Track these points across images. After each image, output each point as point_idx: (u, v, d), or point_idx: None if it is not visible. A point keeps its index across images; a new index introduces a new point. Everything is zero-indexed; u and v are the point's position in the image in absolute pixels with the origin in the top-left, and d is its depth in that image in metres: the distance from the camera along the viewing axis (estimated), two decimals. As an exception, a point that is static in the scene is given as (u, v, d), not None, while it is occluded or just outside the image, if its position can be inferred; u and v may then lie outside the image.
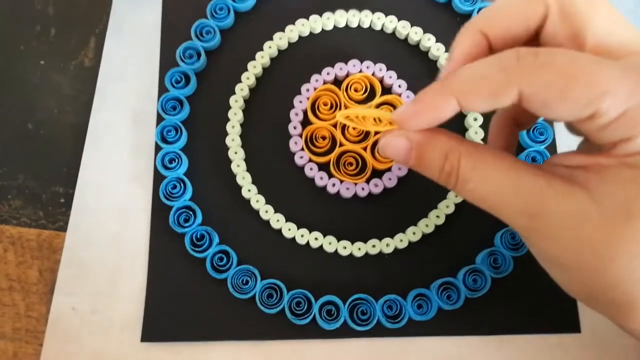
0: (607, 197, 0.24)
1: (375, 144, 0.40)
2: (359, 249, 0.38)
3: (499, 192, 0.26)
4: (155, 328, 0.38)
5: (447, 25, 0.43)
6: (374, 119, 0.29)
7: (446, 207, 0.39)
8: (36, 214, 0.41)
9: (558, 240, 0.25)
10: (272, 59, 0.43)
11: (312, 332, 0.37)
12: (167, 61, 0.43)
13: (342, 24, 0.43)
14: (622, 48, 0.25)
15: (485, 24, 0.27)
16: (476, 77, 0.25)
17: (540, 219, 0.25)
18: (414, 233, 0.39)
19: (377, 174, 0.40)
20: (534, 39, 0.27)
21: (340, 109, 0.40)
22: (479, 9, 0.43)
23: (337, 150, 0.40)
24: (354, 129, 0.40)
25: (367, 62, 0.42)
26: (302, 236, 0.39)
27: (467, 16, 0.43)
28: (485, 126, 0.40)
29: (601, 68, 0.23)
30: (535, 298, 0.38)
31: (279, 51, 0.43)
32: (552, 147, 0.41)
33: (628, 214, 0.23)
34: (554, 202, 0.25)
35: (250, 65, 0.42)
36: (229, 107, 0.41)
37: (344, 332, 0.37)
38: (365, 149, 0.40)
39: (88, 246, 0.39)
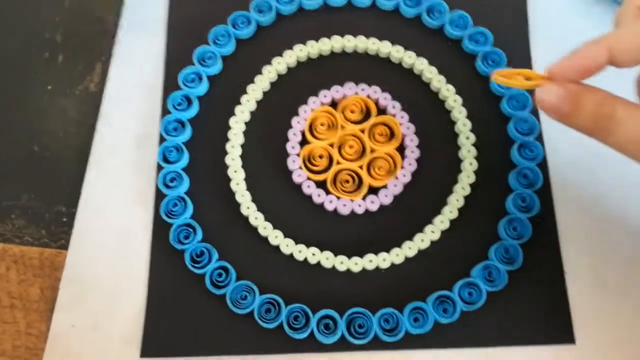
0: None
1: (371, 162, 0.41)
2: (356, 264, 0.39)
3: None
4: (155, 343, 0.38)
5: (440, 49, 0.45)
6: (525, 78, 0.32)
7: (441, 222, 0.40)
8: (39, 232, 0.41)
9: None
10: (271, 83, 0.44)
11: (310, 346, 0.37)
12: (170, 86, 0.44)
13: (338, 49, 0.45)
14: None
15: (612, 42, 0.30)
16: (632, 32, 0.29)
17: None
18: (409, 248, 0.39)
19: (373, 191, 0.41)
20: None
21: (336, 128, 0.42)
22: (469, 35, 0.44)
23: (334, 168, 0.41)
24: (350, 147, 0.41)
25: (363, 85, 0.43)
26: (300, 252, 0.39)
27: (457, 41, 0.45)
28: (474, 130, 0.42)
29: None
30: (529, 310, 0.38)
31: (278, 75, 0.45)
32: (544, 163, 0.42)
33: None
34: None
35: (250, 88, 0.43)
36: (229, 128, 0.42)
37: (342, 346, 0.37)
38: (361, 167, 0.41)
39: (89, 264, 0.40)
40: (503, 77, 0.33)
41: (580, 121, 0.30)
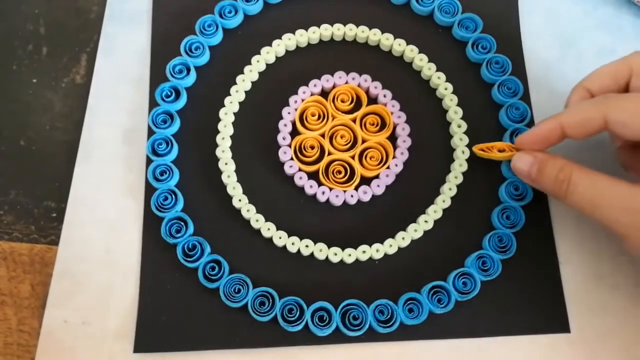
0: None
1: (363, 152, 0.41)
2: (350, 255, 0.39)
3: (603, 194, 0.33)
4: (148, 339, 0.38)
5: (430, 36, 0.45)
6: (498, 150, 0.39)
7: (434, 212, 0.40)
8: (28, 228, 0.41)
9: None
10: (260, 73, 0.44)
11: (305, 338, 0.37)
12: (157, 77, 0.44)
13: (327, 38, 0.44)
14: None
15: (588, 83, 0.37)
16: (577, 108, 0.35)
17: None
18: (403, 238, 0.39)
19: (366, 181, 0.41)
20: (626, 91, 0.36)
21: (327, 119, 0.41)
22: (459, 22, 0.44)
23: (326, 159, 0.40)
24: (341, 137, 0.41)
25: (353, 74, 0.43)
26: (293, 244, 0.39)
27: (448, 28, 0.45)
28: (466, 118, 0.42)
29: None
30: (524, 299, 0.38)
31: (267, 65, 0.44)
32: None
33: None
34: None
35: (239, 79, 0.43)
36: (219, 120, 0.42)
37: (337, 338, 0.37)
38: (353, 157, 0.40)
39: (80, 260, 0.40)
40: (481, 151, 0.40)
41: (544, 184, 0.36)
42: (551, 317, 0.38)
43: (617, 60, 0.36)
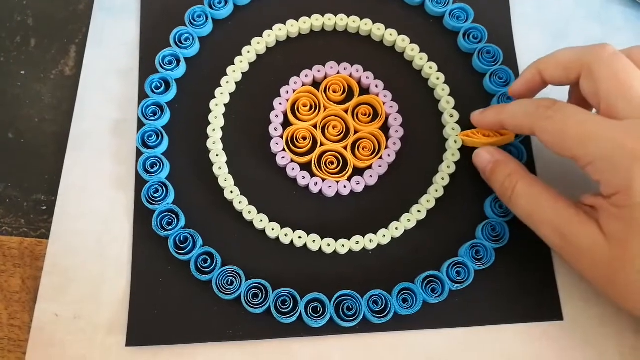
0: (609, 228, 0.31)
1: (355, 142, 0.41)
2: (343, 246, 0.39)
3: (542, 212, 0.34)
4: (140, 332, 0.37)
5: (421, 26, 0.45)
6: (483, 135, 0.40)
7: (427, 201, 0.39)
8: (18, 222, 0.40)
9: (579, 260, 0.33)
10: (250, 64, 0.43)
11: (299, 330, 0.37)
12: (147, 69, 0.43)
13: (318, 28, 0.44)
14: (626, 111, 0.31)
15: (541, 67, 0.37)
16: (513, 112, 0.36)
17: (568, 240, 0.33)
18: (396, 228, 0.39)
19: (358, 172, 0.40)
20: (577, 85, 0.35)
21: (319, 109, 0.41)
22: (450, 12, 0.44)
23: (318, 150, 0.40)
24: (334, 128, 0.40)
25: (344, 64, 0.42)
26: (285, 235, 0.39)
27: (439, 18, 0.45)
28: (458, 108, 0.42)
29: (593, 127, 0.31)
30: (517, 288, 0.38)
31: (258, 56, 0.44)
32: (527, 140, 0.42)
33: (624, 241, 0.31)
34: (576, 228, 0.33)
35: (229, 69, 0.42)
36: (210, 111, 0.41)
37: (331, 329, 0.37)
38: (345, 147, 0.40)
39: (70, 253, 0.39)
40: (466, 137, 0.40)
41: (493, 185, 0.38)
42: (544, 305, 0.38)
43: (577, 50, 0.35)
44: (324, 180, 0.40)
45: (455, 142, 0.41)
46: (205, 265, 0.38)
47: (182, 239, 0.39)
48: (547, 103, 0.34)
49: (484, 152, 0.38)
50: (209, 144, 0.41)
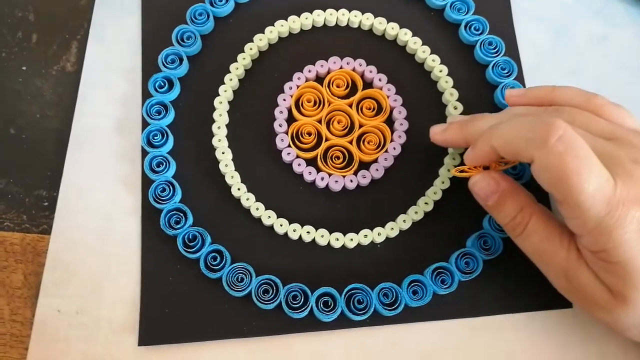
0: (602, 276, 0.31)
1: (360, 136, 0.41)
2: (351, 239, 0.39)
3: (553, 253, 0.33)
4: (152, 331, 0.37)
5: (422, 19, 0.45)
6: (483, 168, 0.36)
7: (434, 193, 0.40)
8: (19, 217, 0.40)
9: (582, 302, 0.33)
10: (253, 60, 0.43)
11: (310, 324, 0.37)
12: (149, 67, 0.43)
13: (320, 23, 0.44)
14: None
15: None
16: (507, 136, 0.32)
17: (572, 283, 0.32)
18: (404, 221, 0.39)
19: (364, 165, 0.40)
20: None
21: (323, 104, 0.41)
22: (451, 4, 0.44)
23: (324, 145, 0.40)
24: (338, 122, 0.40)
25: (347, 59, 0.42)
26: (294, 231, 0.39)
27: (440, 11, 0.45)
28: (462, 100, 0.42)
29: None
30: (526, 277, 0.38)
31: (260, 52, 0.44)
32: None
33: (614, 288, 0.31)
34: (578, 272, 0.32)
35: (232, 67, 0.42)
36: (214, 109, 0.41)
37: (342, 323, 0.37)
38: (351, 142, 0.40)
39: (72, 249, 0.39)
40: (462, 173, 0.36)
41: (500, 218, 0.35)
42: (553, 293, 0.38)
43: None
44: (330, 174, 0.40)
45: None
46: (215, 262, 0.38)
47: (190, 237, 0.39)
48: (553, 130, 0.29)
49: (487, 179, 0.35)
50: (215, 141, 0.41)
